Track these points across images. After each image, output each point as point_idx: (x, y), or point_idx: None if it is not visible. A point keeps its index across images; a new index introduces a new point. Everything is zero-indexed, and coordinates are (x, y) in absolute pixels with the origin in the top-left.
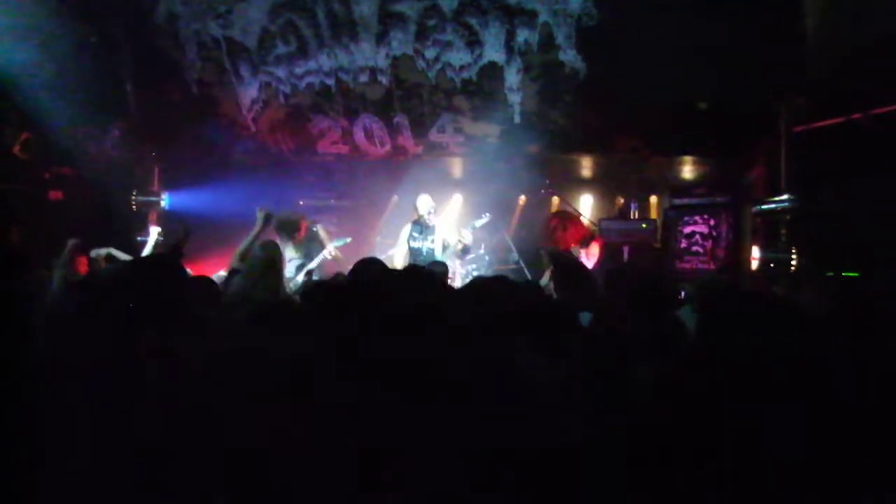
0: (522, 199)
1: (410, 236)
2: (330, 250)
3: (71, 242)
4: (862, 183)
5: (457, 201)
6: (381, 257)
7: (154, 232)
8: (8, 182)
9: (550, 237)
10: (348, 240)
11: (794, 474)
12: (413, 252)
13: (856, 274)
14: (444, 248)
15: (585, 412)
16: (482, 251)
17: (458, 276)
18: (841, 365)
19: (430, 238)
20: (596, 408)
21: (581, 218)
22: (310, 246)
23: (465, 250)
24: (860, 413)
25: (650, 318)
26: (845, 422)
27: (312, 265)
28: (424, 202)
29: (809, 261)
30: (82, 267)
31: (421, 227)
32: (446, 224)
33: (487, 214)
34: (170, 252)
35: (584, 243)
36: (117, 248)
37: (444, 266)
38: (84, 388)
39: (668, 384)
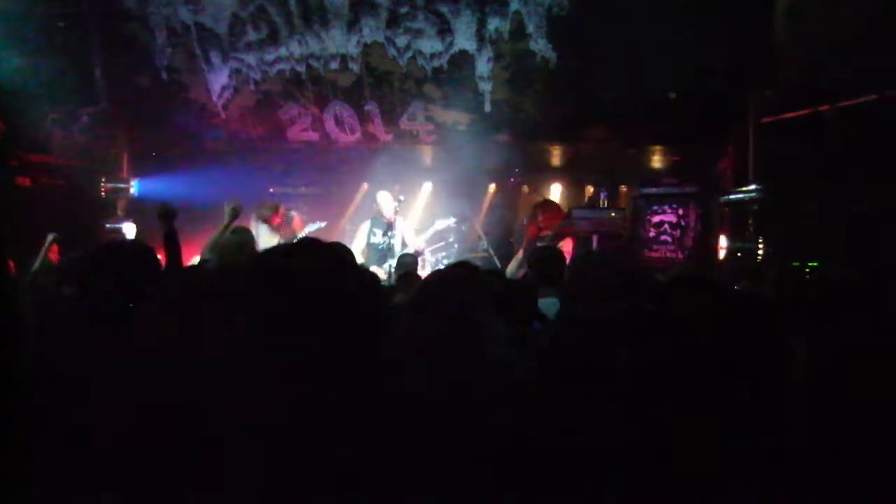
0: (492, 187)
1: (371, 233)
2: (304, 236)
3: (51, 236)
4: (828, 174)
5: (426, 191)
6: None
7: (131, 228)
8: None
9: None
10: (322, 224)
11: (762, 465)
12: (372, 248)
13: (816, 264)
14: (404, 246)
15: (556, 402)
16: (451, 239)
17: (428, 265)
18: (797, 354)
19: (389, 234)
20: (567, 396)
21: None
22: (284, 233)
23: (417, 254)
24: (817, 400)
25: (622, 306)
26: (804, 409)
27: None
28: (385, 200)
29: (776, 251)
30: (53, 254)
31: (382, 223)
32: (407, 221)
33: (454, 218)
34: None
35: (556, 237)
36: (86, 234)
37: (412, 257)
38: (70, 379)
39: (640, 371)
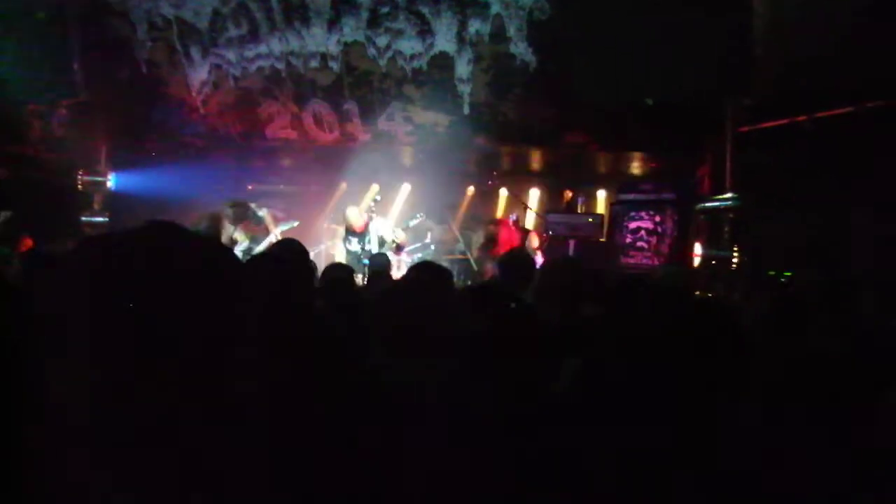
0: (471, 190)
1: (346, 240)
2: (276, 234)
3: (3, 215)
4: (804, 184)
5: (404, 191)
6: (323, 246)
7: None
8: None
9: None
10: (295, 223)
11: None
12: (349, 254)
13: (791, 273)
14: (381, 244)
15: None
16: (428, 240)
17: (404, 265)
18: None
19: (366, 239)
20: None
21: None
22: (256, 230)
23: (399, 248)
24: (779, 405)
25: (579, 309)
26: (767, 413)
27: (259, 250)
28: (354, 215)
29: (750, 259)
30: (24, 246)
31: (355, 233)
32: (383, 221)
33: (420, 215)
34: None
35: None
36: (62, 227)
37: (384, 257)
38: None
39: (584, 375)
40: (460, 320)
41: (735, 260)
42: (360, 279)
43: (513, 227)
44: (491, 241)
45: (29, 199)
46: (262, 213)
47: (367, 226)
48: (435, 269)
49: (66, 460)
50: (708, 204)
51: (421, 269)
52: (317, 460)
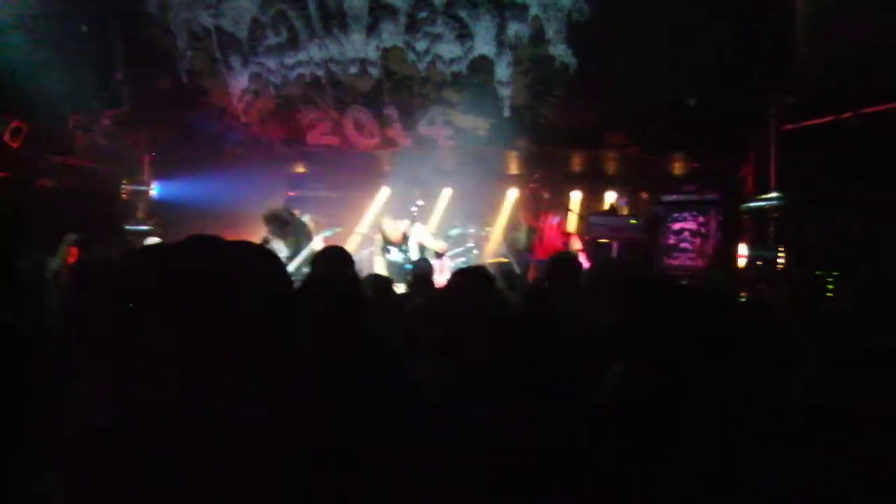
0: (512, 193)
1: (385, 249)
2: (318, 241)
3: (70, 237)
4: (850, 182)
5: (446, 195)
6: (366, 252)
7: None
8: None
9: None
10: (338, 229)
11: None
12: (391, 265)
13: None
14: (422, 250)
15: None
16: (471, 244)
17: (447, 270)
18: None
19: (402, 248)
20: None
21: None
22: (299, 238)
23: (440, 254)
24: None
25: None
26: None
27: (302, 257)
28: (390, 227)
29: (796, 259)
30: (72, 257)
31: (392, 244)
32: (422, 228)
33: (458, 226)
34: None
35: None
36: (108, 236)
37: (427, 263)
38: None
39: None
40: (503, 325)
41: (780, 260)
42: (402, 287)
43: (555, 227)
44: (531, 240)
45: (74, 208)
46: (306, 218)
47: (404, 237)
48: (479, 273)
49: (96, 462)
50: (752, 204)
51: (465, 275)
52: (343, 463)
